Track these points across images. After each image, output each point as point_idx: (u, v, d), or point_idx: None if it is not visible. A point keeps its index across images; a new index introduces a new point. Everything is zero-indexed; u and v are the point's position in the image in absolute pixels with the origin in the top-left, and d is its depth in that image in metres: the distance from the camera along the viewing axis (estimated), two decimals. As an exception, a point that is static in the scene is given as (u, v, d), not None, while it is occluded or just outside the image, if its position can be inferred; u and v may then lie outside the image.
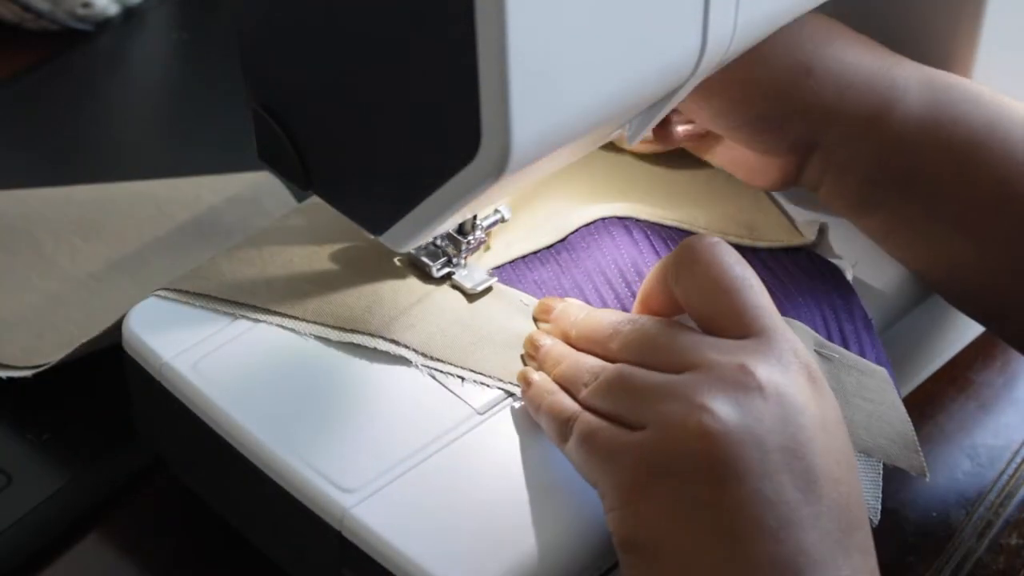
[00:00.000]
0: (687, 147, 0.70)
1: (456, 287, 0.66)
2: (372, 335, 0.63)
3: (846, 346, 0.64)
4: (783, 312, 0.62)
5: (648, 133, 0.64)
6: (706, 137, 0.69)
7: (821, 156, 0.65)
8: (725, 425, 0.52)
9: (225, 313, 0.64)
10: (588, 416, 0.56)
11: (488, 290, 0.66)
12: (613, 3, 0.52)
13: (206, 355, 0.63)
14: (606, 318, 0.60)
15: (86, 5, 0.95)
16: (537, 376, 0.61)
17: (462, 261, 0.66)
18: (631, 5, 0.53)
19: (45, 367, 0.69)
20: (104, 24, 0.97)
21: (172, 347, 0.63)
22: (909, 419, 0.61)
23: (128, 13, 0.98)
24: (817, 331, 0.64)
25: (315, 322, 0.64)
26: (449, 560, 0.56)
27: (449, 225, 0.62)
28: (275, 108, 0.60)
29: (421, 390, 0.62)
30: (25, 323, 0.73)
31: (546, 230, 0.69)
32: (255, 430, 0.60)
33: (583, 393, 0.58)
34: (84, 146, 0.88)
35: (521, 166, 0.53)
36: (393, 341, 0.63)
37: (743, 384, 0.53)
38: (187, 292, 0.65)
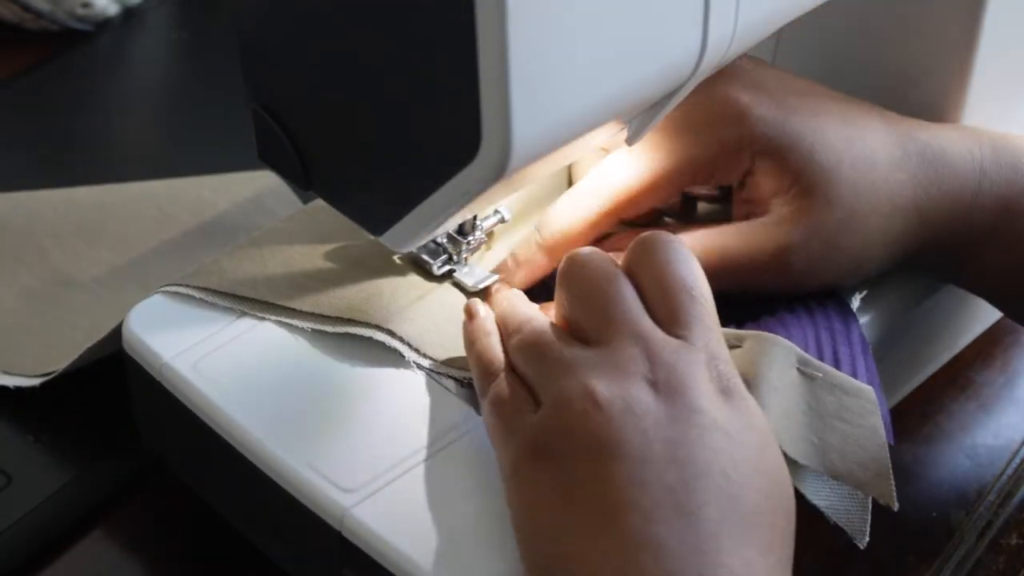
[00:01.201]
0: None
1: (457, 285, 0.66)
2: (368, 325, 0.63)
3: (838, 367, 0.63)
4: (770, 330, 0.62)
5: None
6: None
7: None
8: (609, 408, 0.53)
9: (226, 309, 0.64)
10: (503, 382, 0.57)
11: (490, 288, 0.66)
12: (613, 3, 0.52)
13: (206, 355, 0.63)
14: (524, 310, 0.60)
15: (86, 5, 0.95)
16: (483, 311, 0.61)
17: (463, 260, 0.66)
18: (631, 5, 0.53)
19: (52, 375, 0.69)
20: (104, 24, 0.97)
21: (172, 347, 0.63)
22: (886, 446, 0.60)
23: (128, 13, 0.98)
24: (808, 351, 0.63)
25: (313, 313, 0.64)
26: (449, 560, 0.56)
27: (449, 225, 0.61)
28: (275, 108, 0.60)
29: (421, 390, 0.62)
30: (32, 331, 0.73)
31: None
32: (255, 430, 0.60)
33: (510, 342, 0.58)
34: (84, 146, 0.88)
35: (521, 166, 0.53)
36: (389, 332, 0.63)
37: (638, 373, 0.54)
38: (190, 286, 0.65)
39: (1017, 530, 0.69)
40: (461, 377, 0.63)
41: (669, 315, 0.56)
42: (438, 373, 0.63)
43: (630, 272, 0.57)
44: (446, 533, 0.57)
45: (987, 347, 0.77)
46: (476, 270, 0.67)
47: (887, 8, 0.70)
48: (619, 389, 0.53)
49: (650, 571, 0.50)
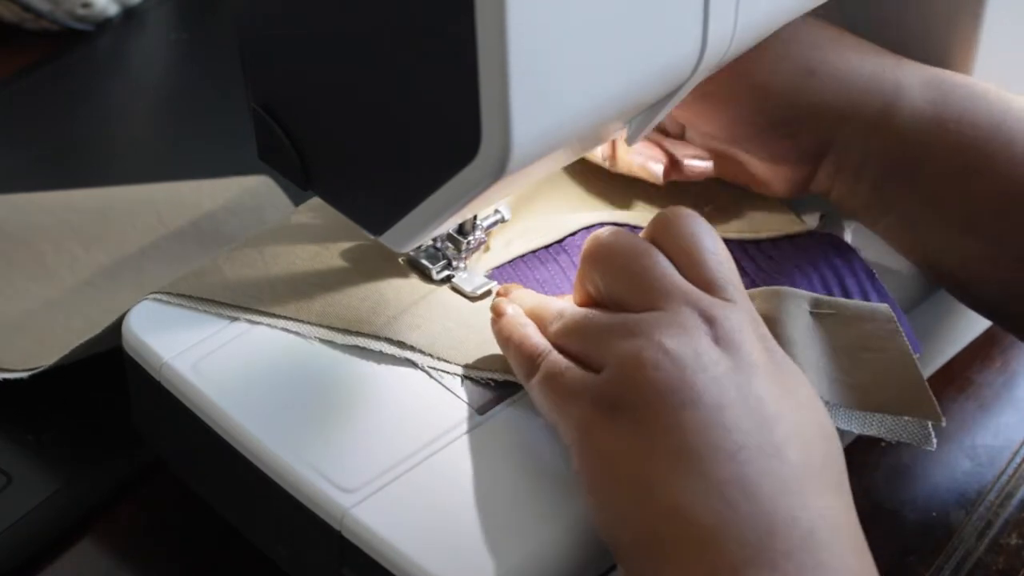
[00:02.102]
0: (696, 177, 0.70)
1: (456, 290, 0.66)
2: (377, 337, 0.63)
3: (849, 298, 0.64)
4: (774, 282, 0.64)
5: (656, 170, 0.66)
6: (715, 158, 0.69)
7: (831, 161, 0.66)
8: (681, 359, 0.54)
9: (226, 316, 0.64)
10: (556, 356, 0.58)
11: (488, 294, 0.66)
12: (613, 3, 0.52)
13: (206, 355, 0.63)
14: (555, 302, 0.61)
15: (86, 5, 0.95)
16: (511, 309, 0.61)
17: (462, 264, 0.66)
18: (631, 5, 0.53)
19: (40, 369, 0.69)
20: (104, 24, 0.97)
21: (172, 347, 0.63)
22: (917, 365, 0.61)
23: (128, 13, 0.98)
24: (816, 290, 0.64)
25: (320, 325, 0.64)
26: (449, 560, 0.56)
27: (449, 225, 0.61)
28: (275, 108, 0.60)
29: (421, 390, 0.62)
30: (25, 330, 0.73)
31: (546, 230, 0.69)
32: (255, 430, 0.60)
33: (551, 329, 0.59)
34: (84, 146, 0.88)
35: (521, 166, 0.53)
36: (400, 343, 0.63)
37: (699, 329, 0.55)
38: (192, 297, 0.65)
39: (1017, 530, 0.69)
40: (480, 377, 0.63)
41: (705, 281, 0.57)
42: (448, 373, 0.63)
43: (657, 245, 0.59)
44: (446, 533, 0.57)
45: (986, 347, 0.77)
46: (475, 276, 0.67)
47: (886, 7, 0.70)
48: (686, 343, 0.54)
49: (744, 510, 0.51)
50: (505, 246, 0.68)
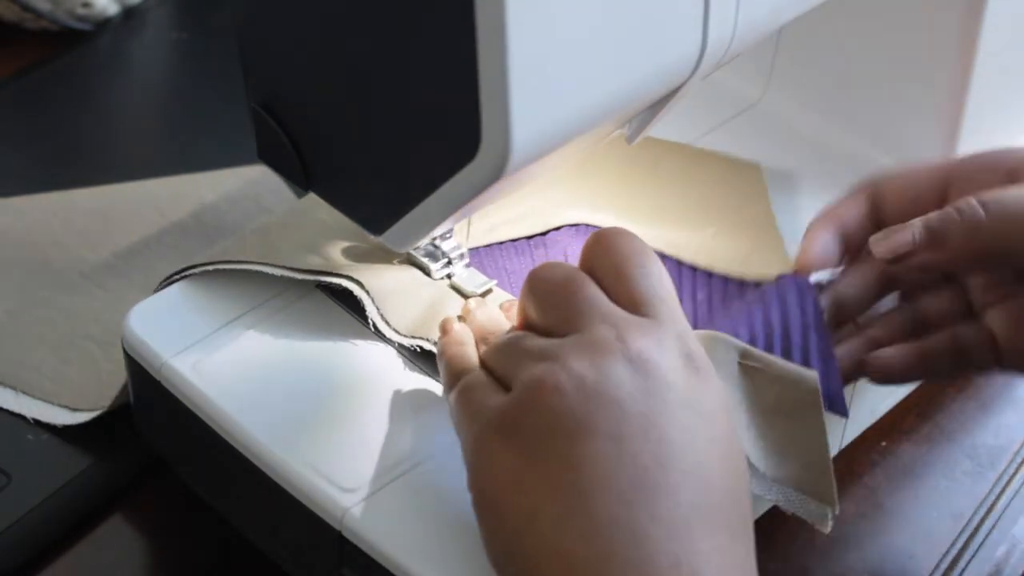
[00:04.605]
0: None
1: (456, 289, 0.66)
2: (339, 275, 0.64)
3: (788, 340, 0.61)
4: (717, 315, 0.62)
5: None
6: None
7: None
8: (581, 382, 0.52)
9: (226, 309, 0.64)
10: (477, 374, 0.56)
11: (488, 292, 0.66)
12: (613, 3, 0.52)
13: (206, 355, 0.63)
14: (505, 325, 0.60)
15: (86, 5, 0.95)
16: (458, 326, 0.60)
17: (462, 256, 0.66)
18: (631, 5, 0.53)
19: (99, 413, 0.69)
20: (104, 24, 0.97)
21: (172, 347, 0.63)
22: (827, 446, 0.58)
23: (128, 13, 0.98)
24: (756, 328, 0.62)
25: (286, 266, 0.64)
26: (449, 560, 0.56)
27: (449, 225, 0.62)
28: (275, 108, 0.60)
29: (421, 390, 0.62)
30: (46, 345, 0.73)
31: (532, 222, 0.69)
32: (255, 430, 0.60)
33: (482, 348, 0.58)
34: (84, 146, 0.88)
35: (521, 166, 0.53)
36: (359, 283, 0.64)
37: (612, 350, 0.53)
38: (220, 262, 0.65)
39: (1017, 530, 0.69)
40: (411, 345, 0.63)
41: (632, 300, 0.55)
42: (392, 342, 0.63)
43: (589, 268, 0.57)
44: (446, 533, 0.57)
45: (987, 347, 0.77)
46: (475, 275, 0.67)
47: (887, 8, 0.70)
48: (593, 365, 0.52)
49: (626, 556, 0.50)
50: (488, 231, 0.68)
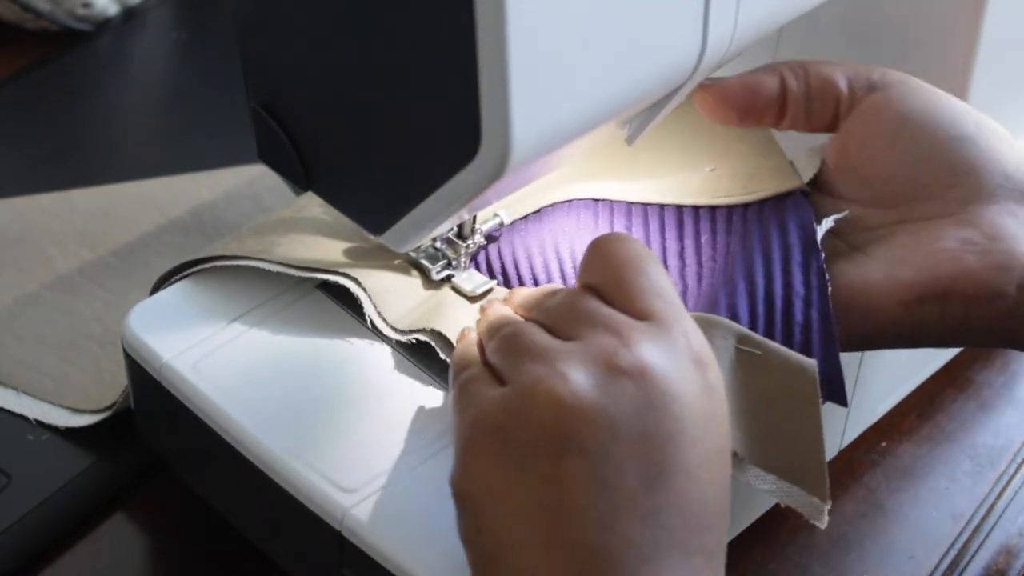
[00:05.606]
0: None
1: (456, 290, 0.66)
2: (336, 272, 0.64)
3: (790, 316, 0.60)
4: (718, 288, 0.61)
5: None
6: None
7: None
8: (576, 397, 0.50)
9: (226, 309, 0.64)
10: (477, 370, 0.55)
11: (488, 292, 0.66)
12: (613, 3, 0.52)
13: (206, 355, 0.63)
14: (544, 288, 0.59)
15: (86, 5, 0.95)
16: (473, 334, 0.60)
17: (462, 263, 0.66)
18: (631, 5, 0.53)
19: (106, 414, 0.69)
20: (104, 24, 0.97)
21: (172, 347, 0.63)
22: (822, 438, 0.57)
23: (128, 13, 0.98)
24: (756, 303, 0.61)
25: (284, 263, 0.64)
26: (449, 560, 0.56)
27: (449, 225, 0.62)
28: (275, 108, 0.60)
29: (421, 390, 0.62)
30: (47, 345, 0.73)
31: (525, 204, 0.69)
32: (255, 430, 0.60)
33: (489, 344, 0.57)
34: (84, 146, 0.88)
35: (520, 166, 0.53)
36: (355, 280, 0.64)
37: (613, 361, 0.52)
38: (221, 258, 0.65)
39: (1018, 530, 0.69)
40: (407, 340, 0.63)
41: (635, 304, 0.54)
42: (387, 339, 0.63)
43: (588, 273, 0.56)
44: (446, 533, 0.57)
45: (987, 347, 0.77)
46: (475, 275, 0.67)
47: (887, 7, 0.70)
48: (591, 376, 0.51)
49: None
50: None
